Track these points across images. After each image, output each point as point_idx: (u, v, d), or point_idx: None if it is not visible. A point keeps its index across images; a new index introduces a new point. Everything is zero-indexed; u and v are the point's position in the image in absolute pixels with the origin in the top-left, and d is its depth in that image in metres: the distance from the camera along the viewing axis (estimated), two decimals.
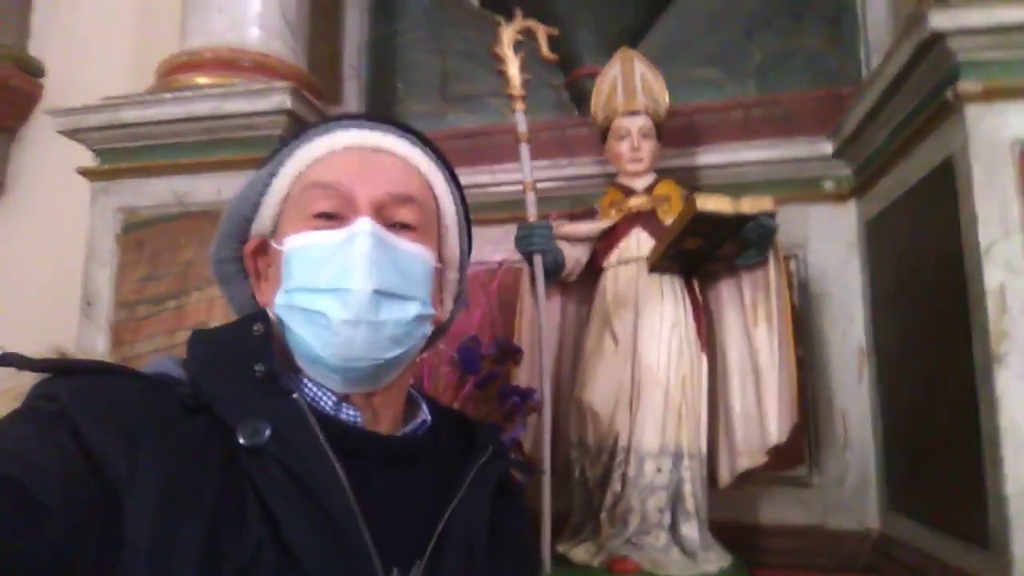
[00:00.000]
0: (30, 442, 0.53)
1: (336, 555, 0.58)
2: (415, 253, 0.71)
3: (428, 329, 0.73)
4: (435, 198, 0.76)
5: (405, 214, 0.71)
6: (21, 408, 0.58)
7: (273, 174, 0.72)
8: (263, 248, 0.74)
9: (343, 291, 0.66)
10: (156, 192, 1.99)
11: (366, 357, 0.67)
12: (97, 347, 1.93)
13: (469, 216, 0.82)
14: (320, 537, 0.58)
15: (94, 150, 2.07)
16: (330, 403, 0.69)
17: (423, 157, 0.75)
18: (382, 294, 0.66)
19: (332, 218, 0.69)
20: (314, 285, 0.67)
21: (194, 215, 1.94)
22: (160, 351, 1.88)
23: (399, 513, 0.66)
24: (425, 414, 0.76)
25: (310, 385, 0.69)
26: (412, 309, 0.69)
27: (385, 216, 0.70)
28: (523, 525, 0.82)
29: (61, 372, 0.60)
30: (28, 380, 0.59)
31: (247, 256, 0.75)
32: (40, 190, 2.68)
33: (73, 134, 2.04)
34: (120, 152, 2.04)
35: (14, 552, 0.47)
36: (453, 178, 0.79)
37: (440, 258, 0.76)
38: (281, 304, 0.69)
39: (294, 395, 0.65)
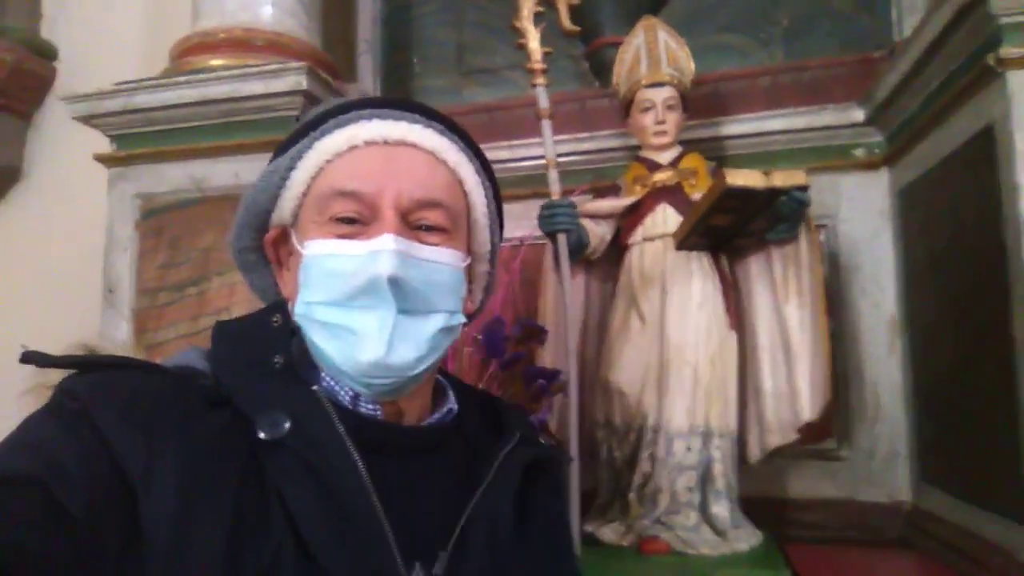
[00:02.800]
0: (54, 441, 0.53)
1: (355, 552, 0.57)
2: (442, 261, 0.67)
3: (456, 335, 0.71)
4: (465, 193, 0.72)
5: (433, 217, 0.67)
6: (46, 405, 0.57)
7: (291, 167, 0.68)
8: (284, 237, 0.72)
9: (367, 310, 0.63)
10: (173, 177, 1.97)
11: (389, 375, 0.65)
12: (120, 335, 1.93)
13: (500, 203, 0.77)
14: (338, 534, 0.57)
15: (110, 136, 2.05)
16: (348, 396, 0.67)
17: (451, 148, 0.70)
18: (407, 313, 0.64)
19: (354, 222, 0.65)
20: (335, 300, 0.64)
21: (212, 200, 1.92)
22: (183, 338, 1.88)
23: (422, 505, 0.64)
24: (451, 403, 0.74)
25: (328, 379, 0.67)
26: (437, 322, 0.67)
27: (411, 220, 0.66)
28: (557, 507, 0.79)
29: (82, 368, 0.59)
30: (56, 375, 0.60)
31: (268, 245, 0.73)
32: (57, 176, 2.65)
33: (88, 120, 2.02)
34: (136, 137, 2.01)
35: (34, 552, 0.47)
36: (484, 165, 0.75)
37: (470, 251, 0.73)
38: (300, 314, 0.67)
39: (314, 387, 0.64)
